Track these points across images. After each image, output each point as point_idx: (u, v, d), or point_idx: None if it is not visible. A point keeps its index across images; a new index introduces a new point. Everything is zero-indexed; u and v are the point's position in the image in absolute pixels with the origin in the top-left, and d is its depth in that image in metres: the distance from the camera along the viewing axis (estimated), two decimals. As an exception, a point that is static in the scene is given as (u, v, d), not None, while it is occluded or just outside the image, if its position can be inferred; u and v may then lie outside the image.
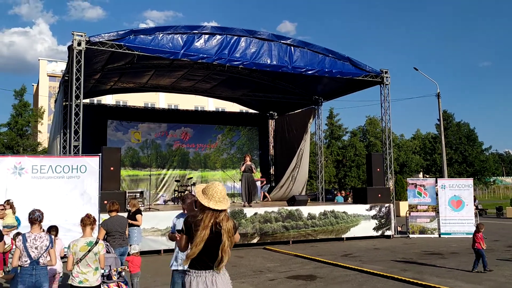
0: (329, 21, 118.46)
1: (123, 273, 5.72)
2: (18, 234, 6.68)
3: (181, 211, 5.42)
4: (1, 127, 29.80)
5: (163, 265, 10.50)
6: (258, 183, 20.34)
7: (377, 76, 16.28)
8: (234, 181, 19.36)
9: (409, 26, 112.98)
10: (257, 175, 21.44)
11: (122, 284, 5.51)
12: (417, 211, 16.22)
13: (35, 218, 5.08)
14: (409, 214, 16.26)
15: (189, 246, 3.45)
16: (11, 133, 29.46)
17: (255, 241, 13.65)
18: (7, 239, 7.65)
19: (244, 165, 15.24)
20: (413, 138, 47.54)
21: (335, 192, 25.52)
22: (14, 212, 9.23)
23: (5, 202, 9.29)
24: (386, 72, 16.40)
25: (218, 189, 3.45)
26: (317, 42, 15.36)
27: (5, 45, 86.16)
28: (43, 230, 5.71)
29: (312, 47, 15.10)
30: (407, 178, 21.09)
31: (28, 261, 4.88)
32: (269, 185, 21.35)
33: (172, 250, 12.19)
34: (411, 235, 15.79)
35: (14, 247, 6.20)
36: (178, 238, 4.09)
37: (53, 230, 6.90)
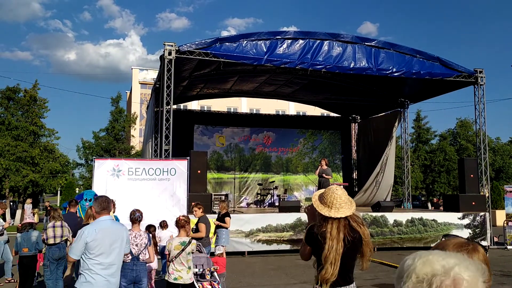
0: (413, 21, 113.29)
1: (215, 273, 5.96)
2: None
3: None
4: (100, 132, 32.37)
5: (247, 267, 10.75)
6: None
7: (470, 76, 15.30)
8: (316, 186, 19.23)
9: (502, 21, 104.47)
10: (335, 177, 21.11)
11: (215, 283, 5.75)
12: (516, 221, 14.94)
13: (135, 218, 5.50)
14: (507, 223, 15.04)
15: (318, 265, 2.98)
16: (109, 137, 31.92)
17: (338, 246, 13.44)
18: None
19: (319, 169, 14.95)
20: (510, 141, 43.81)
21: (422, 199, 24.21)
22: (114, 211, 9.99)
23: (107, 202, 10.09)
24: (480, 72, 15.35)
25: (336, 194, 3.01)
26: (401, 42, 14.72)
27: (102, 56, 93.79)
28: (150, 230, 6.12)
29: (398, 48, 14.59)
30: (505, 185, 19.50)
31: (130, 257, 5.29)
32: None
33: (256, 252, 12.47)
34: (509, 247, 14.59)
35: None
36: None
37: (152, 228, 7.40)
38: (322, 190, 3.18)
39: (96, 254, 3.83)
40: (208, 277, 5.70)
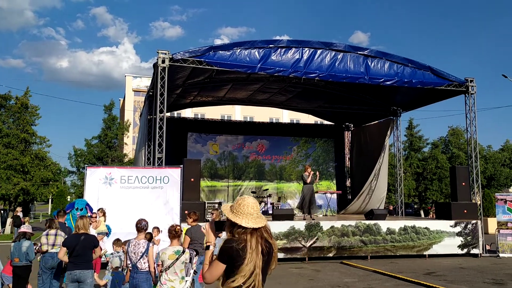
0: (404, 30, 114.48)
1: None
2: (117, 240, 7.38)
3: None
4: (93, 140, 32.16)
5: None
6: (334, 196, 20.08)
7: (461, 85, 15.45)
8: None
9: (493, 32, 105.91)
10: (328, 185, 21.15)
11: None
12: (507, 228, 15.02)
13: (141, 227, 5.52)
14: (498, 231, 15.12)
15: (228, 278, 2.69)
16: (101, 145, 31.71)
17: (331, 254, 13.45)
18: (102, 244, 8.23)
19: (310, 176, 14.76)
20: (502, 149, 44.15)
21: (415, 206, 24.32)
22: (104, 220, 9.91)
23: (98, 210, 10.01)
24: (471, 81, 15.51)
25: (250, 202, 2.81)
26: (392, 52, 14.92)
27: (95, 64, 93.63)
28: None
29: (390, 57, 14.73)
30: (496, 193, 19.64)
31: (131, 264, 5.33)
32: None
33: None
34: (501, 254, 14.66)
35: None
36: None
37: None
38: (230, 203, 3.03)
39: None
40: None
